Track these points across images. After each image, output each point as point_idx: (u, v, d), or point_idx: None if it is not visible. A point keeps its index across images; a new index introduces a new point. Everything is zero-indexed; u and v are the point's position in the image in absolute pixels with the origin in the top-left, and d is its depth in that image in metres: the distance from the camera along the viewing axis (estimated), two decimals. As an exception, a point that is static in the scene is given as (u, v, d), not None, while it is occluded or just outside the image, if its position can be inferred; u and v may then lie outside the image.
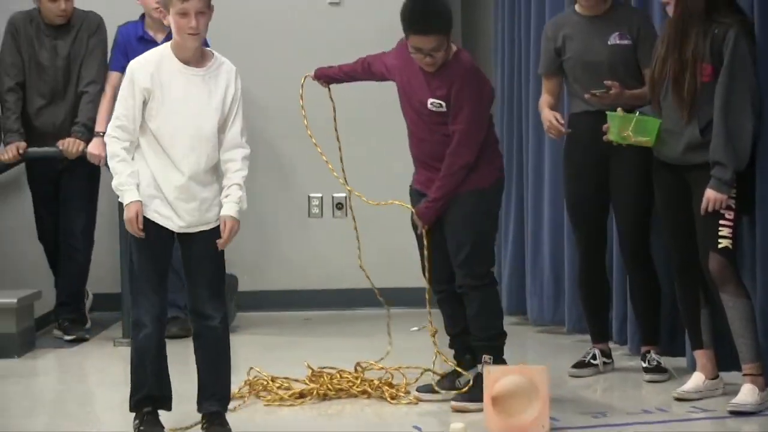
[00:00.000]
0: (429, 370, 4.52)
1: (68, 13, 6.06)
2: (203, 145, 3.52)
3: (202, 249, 3.56)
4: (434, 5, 4.26)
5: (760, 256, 4.25)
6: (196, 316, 3.66)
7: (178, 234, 3.55)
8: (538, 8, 6.73)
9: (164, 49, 3.65)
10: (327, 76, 4.75)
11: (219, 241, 3.48)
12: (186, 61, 3.53)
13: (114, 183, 3.55)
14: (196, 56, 3.57)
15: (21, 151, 5.98)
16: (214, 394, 3.61)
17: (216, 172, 3.64)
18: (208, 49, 3.75)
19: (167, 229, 3.51)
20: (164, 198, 3.49)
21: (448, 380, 4.39)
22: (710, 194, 3.96)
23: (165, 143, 3.51)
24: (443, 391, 4.34)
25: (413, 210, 4.30)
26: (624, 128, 4.38)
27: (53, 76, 6.14)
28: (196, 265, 3.60)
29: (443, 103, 4.13)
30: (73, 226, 6.20)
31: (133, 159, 3.51)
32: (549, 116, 4.95)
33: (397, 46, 4.49)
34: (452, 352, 4.45)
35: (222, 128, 3.57)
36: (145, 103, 3.51)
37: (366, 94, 6.00)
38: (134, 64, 3.58)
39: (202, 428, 3.63)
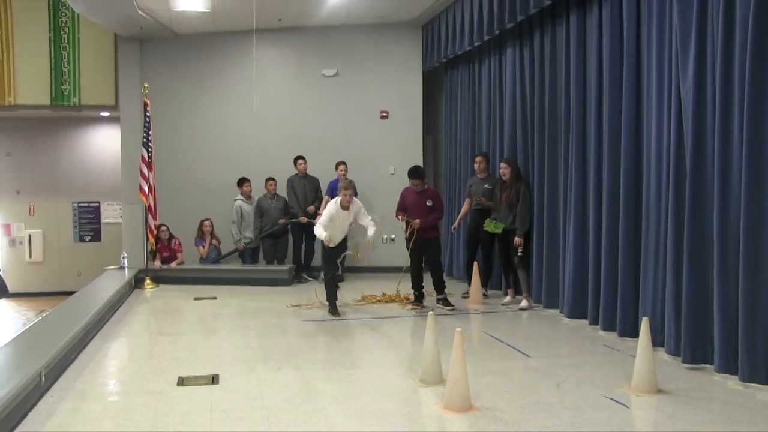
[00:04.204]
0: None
1: None
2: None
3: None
4: (418, 170, 8.36)
5: (535, 259, 8.43)
6: None
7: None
8: (467, 120, 10.73)
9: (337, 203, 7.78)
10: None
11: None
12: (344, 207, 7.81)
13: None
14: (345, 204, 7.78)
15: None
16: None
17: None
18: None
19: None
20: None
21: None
22: (517, 239, 8.29)
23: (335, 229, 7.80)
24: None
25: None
26: (489, 226, 8.54)
27: None
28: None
29: (432, 202, 8.31)
30: None
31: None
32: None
33: (405, 189, 8.42)
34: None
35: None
36: (332, 219, 7.76)
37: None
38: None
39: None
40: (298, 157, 10.98)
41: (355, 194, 8.22)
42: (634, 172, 6.60)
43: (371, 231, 7.87)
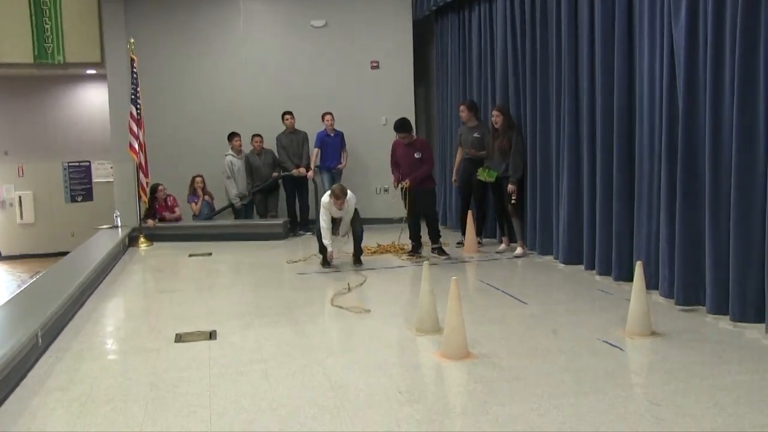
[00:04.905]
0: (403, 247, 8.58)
1: None
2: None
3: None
4: (404, 123, 8.31)
5: (529, 206, 8.45)
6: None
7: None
8: (457, 69, 10.66)
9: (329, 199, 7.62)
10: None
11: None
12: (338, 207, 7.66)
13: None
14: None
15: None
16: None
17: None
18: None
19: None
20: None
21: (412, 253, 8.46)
22: (510, 186, 8.37)
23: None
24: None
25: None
26: (482, 174, 8.54)
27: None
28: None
29: (421, 154, 8.43)
30: None
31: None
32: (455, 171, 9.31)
33: (394, 142, 8.45)
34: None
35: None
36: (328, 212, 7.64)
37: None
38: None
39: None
40: (285, 113, 10.91)
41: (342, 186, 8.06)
42: (627, 117, 6.60)
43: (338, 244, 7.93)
